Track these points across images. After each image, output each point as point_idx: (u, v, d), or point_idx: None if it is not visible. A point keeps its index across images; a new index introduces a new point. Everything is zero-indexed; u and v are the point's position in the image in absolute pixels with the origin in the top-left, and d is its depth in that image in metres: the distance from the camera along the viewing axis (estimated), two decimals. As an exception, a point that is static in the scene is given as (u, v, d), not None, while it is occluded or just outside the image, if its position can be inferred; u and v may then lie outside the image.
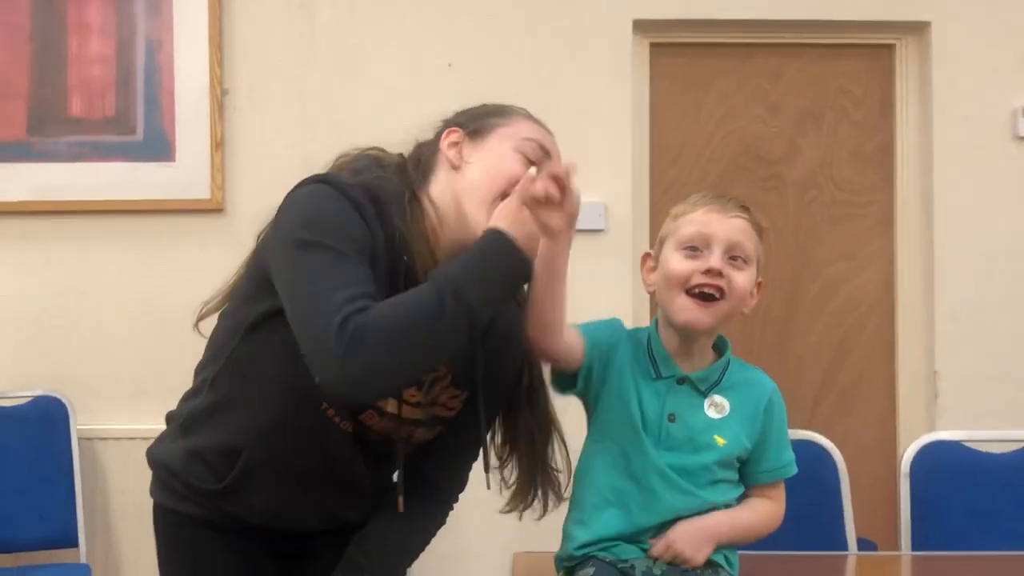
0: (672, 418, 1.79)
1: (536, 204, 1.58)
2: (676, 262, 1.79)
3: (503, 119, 1.76)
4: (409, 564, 1.85)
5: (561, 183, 1.58)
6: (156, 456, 1.84)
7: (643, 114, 3.52)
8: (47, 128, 3.34)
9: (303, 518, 1.79)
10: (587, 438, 1.86)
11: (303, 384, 1.56)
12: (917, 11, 3.48)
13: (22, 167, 3.33)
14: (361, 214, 1.61)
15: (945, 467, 2.62)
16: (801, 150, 3.57)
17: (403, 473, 1.78)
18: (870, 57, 3.58)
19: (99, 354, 3.35)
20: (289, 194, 1.70)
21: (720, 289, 1.76)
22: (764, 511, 1.86)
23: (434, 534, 1.88)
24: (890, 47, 3.57)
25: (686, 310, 1.76)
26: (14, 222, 3.35)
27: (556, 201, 1.58)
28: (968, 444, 2.69)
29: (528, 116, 1.79)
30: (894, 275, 3.56)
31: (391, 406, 1.71)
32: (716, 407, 1.81)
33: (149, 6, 3.33)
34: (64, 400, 3.25)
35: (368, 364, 1.49)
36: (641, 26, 3.45)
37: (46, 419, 3.24)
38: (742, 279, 1.77)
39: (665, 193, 3.48)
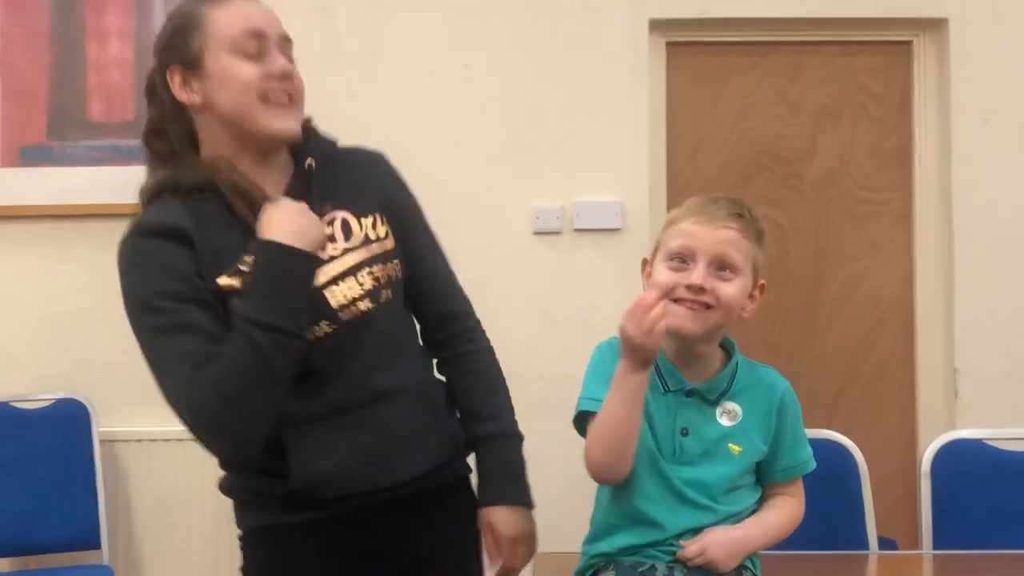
0: (685, 432, 1.78)
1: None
2: (662, 274, 1.79)
3: (197, 30, 1.70)
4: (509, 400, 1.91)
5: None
6: (231, 485, 1.80)
7: (660, 113, 3.51)
8: (67, 132, 3.37)
9: (372, 470, 1.72)
10: None
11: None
12: (934, 8, 3.46)
13: (43, 171, 3.35)
14: (167, 229, 1.66)
15: (966, 465, 2.60)
16: (820, 148, 3.56)
17: None
18: (888, 54, 3.57)
19: (120, 356, 3.34)
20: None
21: (705, 304, 1.76)
22: (789, 511, 1.86)
23: (499, 365, 1.92)
24: (908, 44, 3.55)
25: (674, 316, 1.75)
26: (35, 226, 3.37)
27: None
28: (989, 442, 2.67)
29: (207, 2, 1.74)
30: (914, 273, 3.55)
31: (334, 268, 1.72)
32: (728, 414, 1.80)
33: (167, 10, 3.33)
34: (85, 403, 3.28)
35: (225, 434, 1.62)
36: (657, 25, 3.45)
37: (68, 421, 3.26)
38: (729, 290, 1.76)
39: (682, 192, 3.47)
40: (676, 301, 1.76)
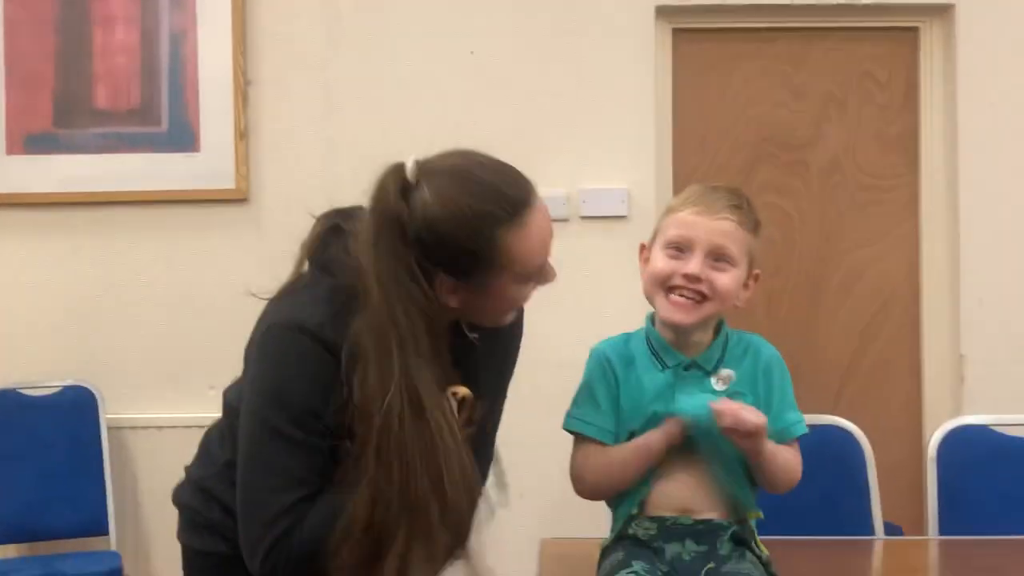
0: None
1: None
2: (659, 261, 1.81)
3: (491, 266, 1.59)
4: None
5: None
6: (187, 502, 1.82)
7: (666, 100, 3.51)
8: (73, 120, 3.37)
9: None
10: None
11: None
12: (941, -7, 3.46)
13: (49, 159, 3.35)
14: (337, 349, 1.60)
15: (972, 451, 2.60)
16: (825, 135, 3.55)
17: None
18: (894, 41, 3.56)
19: (127, 343, 3.38)
20: (265, 337, 1.65)
21: (700, 293, 1.78)
22: (791, 454, 1.86)
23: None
24: (914, 30, 3.54)
25: (669, 310, 1.80)
26: (41, 213, 3.38)
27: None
28: (995, 428, 2.67)
29: (505, 223, 1.58)
30: (919, 259, 3.55)
31: None
32: (722, 380, 1.84)
33: (174, -5, 3.36)
34: (93, 390, 3.28)
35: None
36: (664, 12, 3.44)
37: (76, 408, 3.27)
38: (725, 280, 1.79)
39: (688, 179, 3.46)
40: (672, 289, 1.79)
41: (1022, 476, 2.60)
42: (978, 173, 3.45)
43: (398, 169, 1.59)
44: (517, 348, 1.87)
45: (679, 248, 1.80)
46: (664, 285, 1.80)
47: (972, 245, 3.45)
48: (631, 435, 1.84)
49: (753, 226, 1.84)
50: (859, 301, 3.55)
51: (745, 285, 1.84)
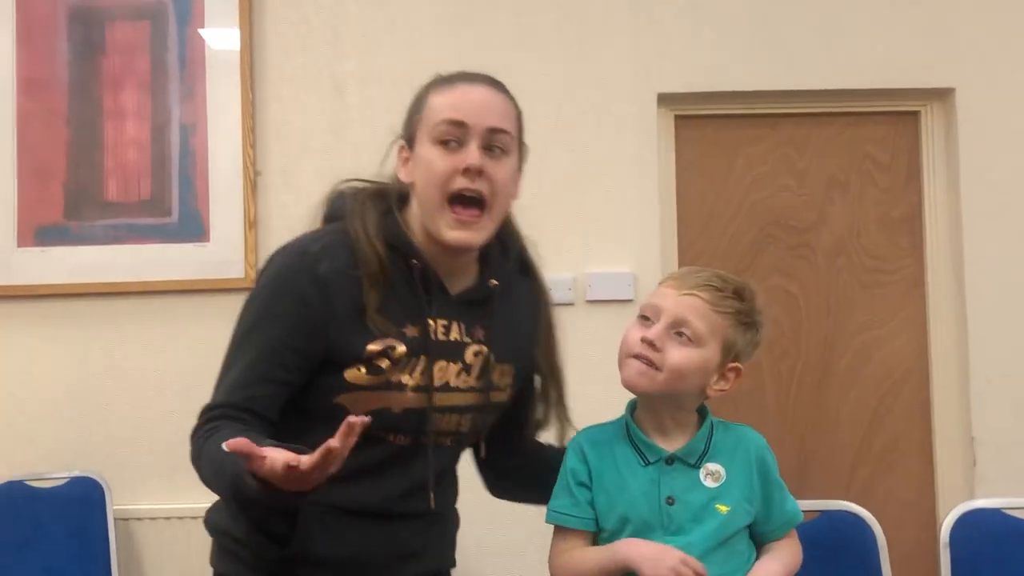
0: (671, 501, 1.77)
1: None
2: (631, 330, 1.84)
3: (419, 109, 1.79)
4: None
5: None
6: (217, 523, 1.84)
7: (670, 185, 3.54)
8: (84, 211, 3.40)
9: (381, 561, 1.78)
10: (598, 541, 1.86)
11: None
12: (941, 78, 3.50)
13: (60, 250, 3.38)
14: (320, 283, 1.71)
15: (985, 536, 2.57)
16: (829, 217, 3.57)
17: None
18: (896, 124, 3.60)
19: (135, 434, 3.37)
20: (268, 260, 1.83)
21: (652, 362, 1.78)
22: (789, 555, 1.84)
23: None
24: (915, 114, 3.58)
25: (626, 374, 1.82)
26: (52, 304, 3.39)
27: None
28: (1008, 511, 2.64)
29: (441, 83, 1.81)
30: (927, 340, 3.54)
31: (452, 399, 1.78)
32: (712, 476, 1.80)
33: (183, 91, 3.41)
34: (100, 481, 3.27)
35: None
36: (665, 99, 3.49)
37: (83, 500, 3.25)
38: (677, 356, 1.77)
39: (693, 263, 3.48)
40: (636, 356, 1.80)
41: (1035, 561, 2.57)
42: (983, 253, 3.46)
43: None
44: (544, 319, 1.97)
45: (647, 317, 1.82)
46: (629, 353, 1.81)
47: (979, 325, 3.44)
48: (604, 531, 1.82)
49: (733, 314, 1.80)
50: (868, 384, 3.54)
51: (723, 376, 1.82)
